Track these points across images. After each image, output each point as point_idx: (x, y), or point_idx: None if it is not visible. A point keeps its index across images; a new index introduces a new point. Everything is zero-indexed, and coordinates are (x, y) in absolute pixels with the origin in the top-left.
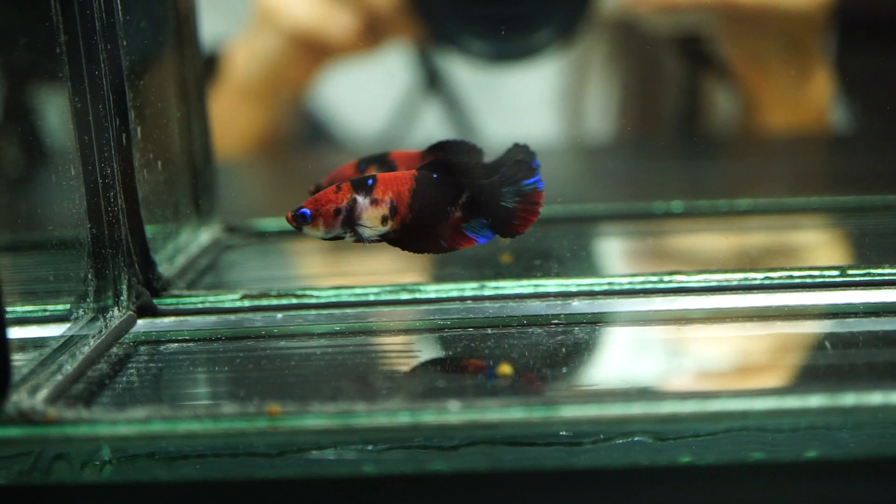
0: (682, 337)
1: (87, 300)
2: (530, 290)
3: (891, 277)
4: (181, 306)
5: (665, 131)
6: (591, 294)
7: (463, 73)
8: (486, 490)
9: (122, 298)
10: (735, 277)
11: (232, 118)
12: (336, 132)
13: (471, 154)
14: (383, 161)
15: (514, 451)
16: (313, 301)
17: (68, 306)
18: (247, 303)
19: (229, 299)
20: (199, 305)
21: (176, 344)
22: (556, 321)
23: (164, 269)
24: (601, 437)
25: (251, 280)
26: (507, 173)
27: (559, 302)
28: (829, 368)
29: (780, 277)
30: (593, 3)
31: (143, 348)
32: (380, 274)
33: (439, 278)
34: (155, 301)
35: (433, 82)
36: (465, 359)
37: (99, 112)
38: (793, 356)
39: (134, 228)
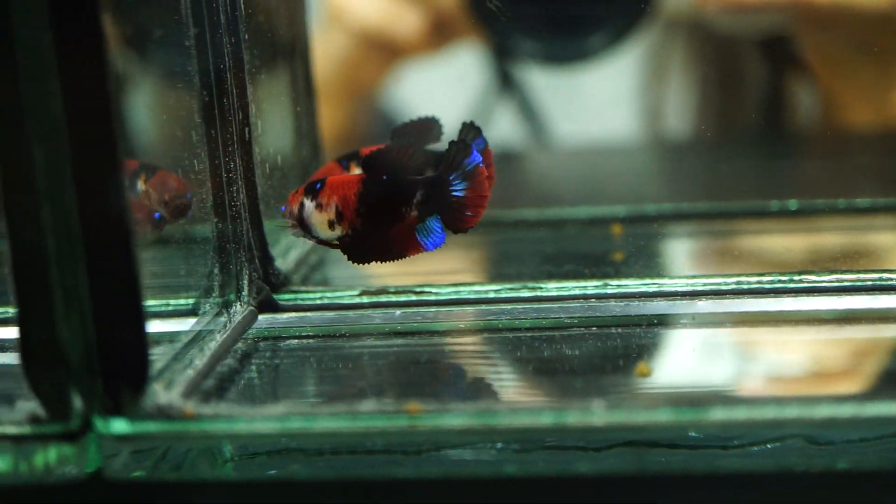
0: (817, 339)
1: (213, 295)
2: (654, 288)
3: None
4: (300, 302)
5: (747, 130)
6: (718, 293)
7: (537, 74)
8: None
9: (243, 294)
10: (869, 277)
11: None
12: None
13: (430, 131)
14: (358, 158)
15: (661, 452)
16: (433, 298)
17: (196, 301)
18: (365, 299)
19: (347, 295)
20: (318, 301)
21: (297, 340)
22: (684, 321)
23: (280, 263)
24: (751, 440)
25: (359, 276)
26: (448, 158)
27: (685, 301)
28: None
29: None
30: (652, 4)
31: (265, 344)
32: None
33: (559, 276)
34: (274, 296)
35: (506, 84)
36: (596, 358)
37: (224, 106)
38: None
39: (254, 223)
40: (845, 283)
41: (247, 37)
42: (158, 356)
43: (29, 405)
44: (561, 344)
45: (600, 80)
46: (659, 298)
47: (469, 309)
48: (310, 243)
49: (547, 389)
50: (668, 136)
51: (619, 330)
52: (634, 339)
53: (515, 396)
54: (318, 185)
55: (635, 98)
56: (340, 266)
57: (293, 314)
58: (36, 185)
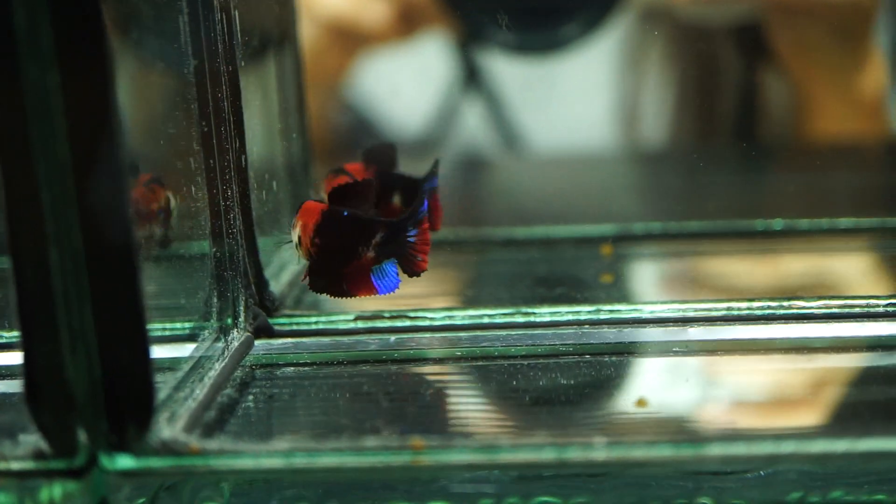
0: (810, 367)
1: (211, 321)
2: (646, 314)
3: None
4: (295, 327)
5: (720, 135)
6: (709, 320)
7: (507, 68)
8: None
9: (240, 319)
10: (859, 304)
11: None
12: (378, 126)
13: (387, 159)
14: (344, 172)
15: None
16: (426, 324)
17: (194, 327)
18: (360, 324)
19: (342, 320)
20: (314, 326)
21: (293, 368)
22: (676, 348)
23: (275, 286)
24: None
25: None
26: (414, 206)
27: (677, 328)
28: None
29: None
30: None
31: (262, 371)
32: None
33: (551, 300)
34: (270, 321)
35: (473, 78)
36: (592, 389)
37: (221, 135)
38: None
39: (250, 249)
40: (833, 310)
41: (243, 64)
42: (161, 385)
43: (31, 439)
44: (557, 372)
45: (572, 71)
46: (651, 325)
47: (463, 335)
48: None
49: (548, 422)
50: (643, 141)
51: (613, 358)
52: (626, 367)
53: (514, 429)
54: (300, 205)
55: (607, 92)
56: None
57: (289, 339)
58: (44, 229)
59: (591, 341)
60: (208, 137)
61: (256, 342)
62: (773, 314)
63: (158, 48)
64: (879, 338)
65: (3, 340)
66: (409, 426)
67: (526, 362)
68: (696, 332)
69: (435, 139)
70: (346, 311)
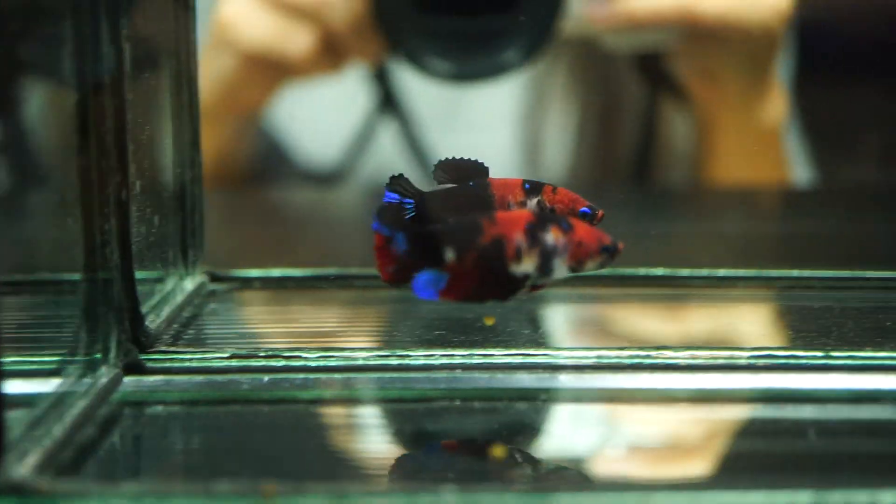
0: (672, 418)
1: (78, 355)
2: (518, 361)
3: None
4: (168, 364)
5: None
6: (578, 367)
7: (423, 91)
8: None
9: (110, 355)
10: (721, 355)
11: None
12: (293, 157)
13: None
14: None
15: None
16: (301, 364)
17: (59, 361)
18: (234, 363)
19: (216, 357)
20: (187, 364)
21: (162, 406)
22: (544, 396)
23: (151, 321)
24: None
25: (233, 334)
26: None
27: (547, 375)
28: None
29: (763, 357)
30: (559, 21)
31: (129, 410)
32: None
33: (429, 343)
34: (142, 357)
35: (388, 102)
36: (455, 437)
37: (102, 168)
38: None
39: (127, 283)
40: (699, 361)
41: (131, 97)
42: (15, 423)
43: None
44: (423, 418)
45: (480, 98)
46: (522, 371)
47: (337, 377)
48: (185, 295)
49: (405, 470)
50: (542, 173)
51: (482, 405)
52: (496, 414)
53: (373, 476)
54: None
55: (513, 121)
56: (215, 322)
57: (160, 377)
58: None
59: (462, 386)
60: (86, 171)
61: (126, 379)
62: (641, 363)
63: (43, 80)
64: (741, 391)
65: None
66: (269, 470)
67: (397, 406)
68: (566, 379)
69: (348, 166)
70: (221, 349)
